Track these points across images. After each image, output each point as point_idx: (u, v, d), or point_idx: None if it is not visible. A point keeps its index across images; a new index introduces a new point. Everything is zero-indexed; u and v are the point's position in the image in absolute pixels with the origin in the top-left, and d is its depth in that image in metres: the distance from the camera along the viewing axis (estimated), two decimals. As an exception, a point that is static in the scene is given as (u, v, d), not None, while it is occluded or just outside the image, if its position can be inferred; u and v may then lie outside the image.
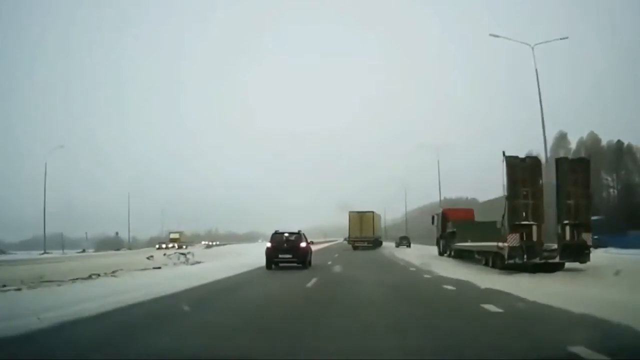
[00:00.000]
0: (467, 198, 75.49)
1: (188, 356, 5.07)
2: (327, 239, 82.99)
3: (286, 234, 18.36)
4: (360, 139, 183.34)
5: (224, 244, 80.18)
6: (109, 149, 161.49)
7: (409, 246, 49.30)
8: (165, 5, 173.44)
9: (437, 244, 29.13)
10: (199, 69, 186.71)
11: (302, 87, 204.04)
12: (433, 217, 31.03)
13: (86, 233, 76.32)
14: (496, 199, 17.15)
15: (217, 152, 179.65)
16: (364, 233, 43.71)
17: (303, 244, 18.09)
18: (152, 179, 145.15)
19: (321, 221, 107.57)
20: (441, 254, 27.22)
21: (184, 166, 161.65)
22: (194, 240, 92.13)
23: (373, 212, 46.76)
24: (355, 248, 42.52)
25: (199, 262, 23.49)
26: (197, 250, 41.72)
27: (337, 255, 30.32)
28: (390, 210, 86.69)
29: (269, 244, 18.12)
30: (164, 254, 29.98)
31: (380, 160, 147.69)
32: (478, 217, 29.54)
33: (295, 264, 17.69)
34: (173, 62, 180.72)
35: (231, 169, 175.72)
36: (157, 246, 62.79)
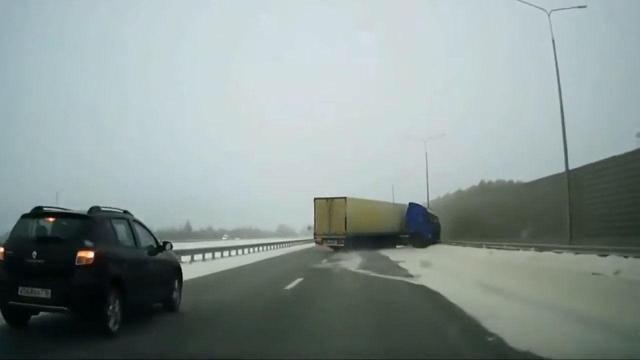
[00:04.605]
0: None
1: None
2: (297, 239, 63.06)
3: (50, 221, 6.66)
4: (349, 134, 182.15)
5: None
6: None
7: None
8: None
9: None
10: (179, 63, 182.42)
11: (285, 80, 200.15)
12: None
13: None
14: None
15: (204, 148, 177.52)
16: (334, 228, 32.37)
17: (90, 254, 6.16)
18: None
19: (302, 219, 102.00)
20: None
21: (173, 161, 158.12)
22: None
23: (345, 198, 33.32)
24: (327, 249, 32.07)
25: None
26: None
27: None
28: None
29: None
30: None
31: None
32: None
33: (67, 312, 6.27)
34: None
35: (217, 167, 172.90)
36: None
